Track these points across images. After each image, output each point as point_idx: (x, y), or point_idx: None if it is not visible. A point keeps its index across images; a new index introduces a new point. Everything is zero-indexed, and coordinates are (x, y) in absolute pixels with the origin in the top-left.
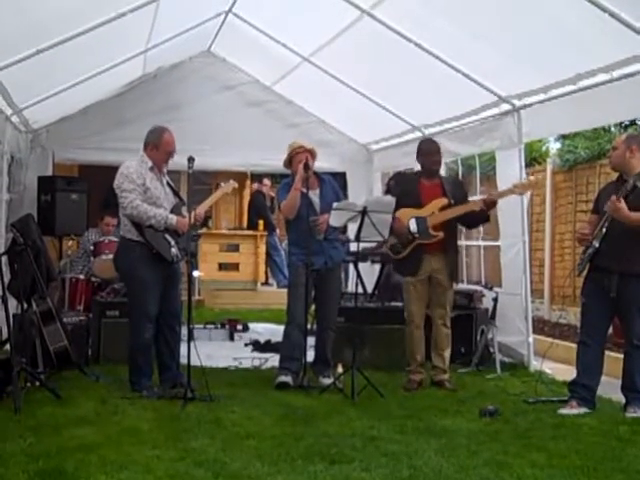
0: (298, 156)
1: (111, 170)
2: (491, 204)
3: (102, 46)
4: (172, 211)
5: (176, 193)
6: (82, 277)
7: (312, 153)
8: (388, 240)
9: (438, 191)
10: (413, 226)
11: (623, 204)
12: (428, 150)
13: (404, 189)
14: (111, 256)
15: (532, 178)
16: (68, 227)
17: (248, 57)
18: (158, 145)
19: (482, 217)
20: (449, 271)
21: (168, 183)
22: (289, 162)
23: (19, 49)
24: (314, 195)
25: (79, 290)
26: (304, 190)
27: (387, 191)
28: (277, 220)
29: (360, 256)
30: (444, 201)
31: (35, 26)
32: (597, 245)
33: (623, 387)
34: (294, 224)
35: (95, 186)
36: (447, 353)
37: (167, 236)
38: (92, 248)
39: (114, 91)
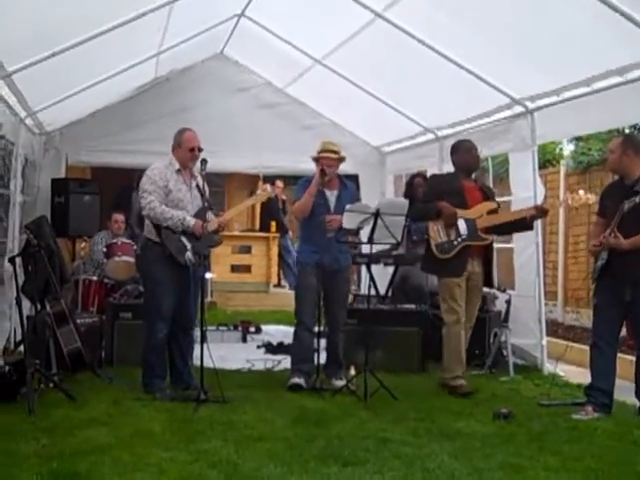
0: (321, 161)
1: (123, 172)
2: (544, 212)
3: (115, 49)
4: (196, 215)
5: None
6: (95, 279)
7: (338, 159)
8: (434, 239)
9: (479, 193)
10: (462, 227)
11: (620, 238)
12: (470, 148)
13: (446, 189)
14: (124, 258)
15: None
16: (81, 228)
17: (261, 59)
18: (180, 143)
19: (525, 226)
20: (485, 274)
21: (197, 186)
22: (316, 160)
23: (33, 52)
24: (331, 195)
25: (92, 292)
26: (322, 189)
27: (409, 194)
28: (289, 222)
29: (372, 258)
30: (493, 205)
31: (49, 30)
32: (606, 257)
33: (637, 392)
34: (307, 221)
35: (107, 188)
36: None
37: (184, 239)
38: (104, 250)
39: (127, 94)
